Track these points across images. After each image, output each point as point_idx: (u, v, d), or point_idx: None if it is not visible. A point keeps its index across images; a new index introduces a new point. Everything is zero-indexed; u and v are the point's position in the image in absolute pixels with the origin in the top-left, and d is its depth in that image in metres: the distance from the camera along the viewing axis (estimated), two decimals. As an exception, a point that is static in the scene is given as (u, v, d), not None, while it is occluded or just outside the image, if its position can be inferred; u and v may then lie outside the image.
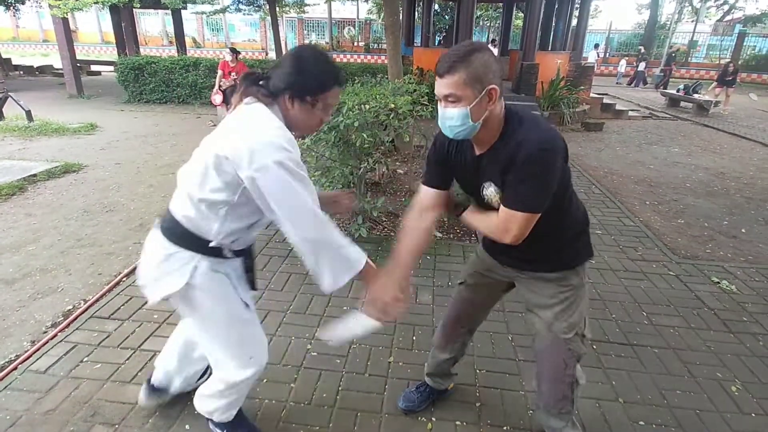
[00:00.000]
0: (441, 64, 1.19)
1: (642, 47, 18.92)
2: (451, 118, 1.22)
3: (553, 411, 1.55)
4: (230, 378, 1.50)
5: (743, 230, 4.05)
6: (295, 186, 1.19)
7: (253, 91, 1.29)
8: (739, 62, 18.68)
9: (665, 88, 14.50)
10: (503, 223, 1.28)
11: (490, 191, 1.33)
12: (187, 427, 1.81)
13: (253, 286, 1.54)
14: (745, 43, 21.27)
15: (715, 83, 11.53)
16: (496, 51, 13.37)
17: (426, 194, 1.50)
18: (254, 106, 1.28)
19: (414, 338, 2.41)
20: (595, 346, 2.38)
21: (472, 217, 1.44)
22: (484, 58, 1.18)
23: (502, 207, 1.28)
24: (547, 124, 1.30)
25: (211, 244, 1.33)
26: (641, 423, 1.91)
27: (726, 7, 25.16)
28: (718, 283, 3.08)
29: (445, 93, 1.20)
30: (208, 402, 1.62)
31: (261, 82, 1.31)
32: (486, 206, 1.39)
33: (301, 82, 1.27)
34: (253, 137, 1.19)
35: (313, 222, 1.23)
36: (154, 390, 1.82)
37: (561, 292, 1.46)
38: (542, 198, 1.24)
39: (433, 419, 1.89)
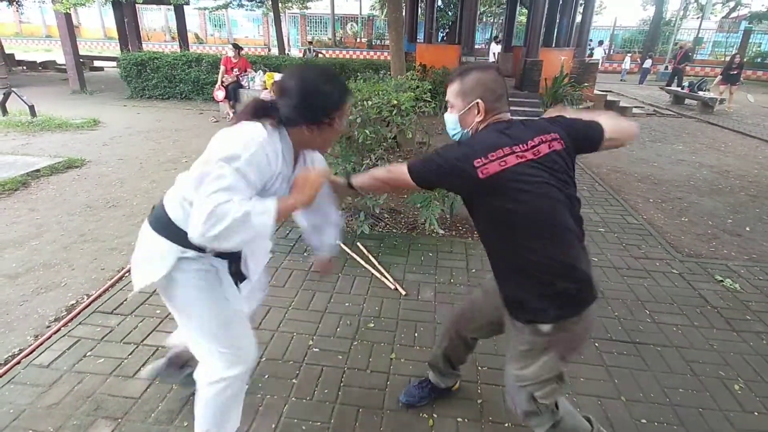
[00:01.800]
0: (450, 75, 1.44)
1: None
2: (448, 122, 1.45)
3: None
4: (215, 374, 1.44)
5: (747, 228, 4.03)
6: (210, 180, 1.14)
7: (256, 118, 1.26)
8: (745, 59, 18.51)
9: (678, 86, 14.24)
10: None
11: None
12: (185, 424, 1.81)
13: (237, 284, 1.51)
14: (750, 40, 21.12)
15: (719, 78, 11.36)
16: (499, 48, 13.32)
17: None
18: (247, 123, 1.25)
19: (416, 335, 2.41)
20: (597, 344, 2.37)
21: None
22: (478, 76, 1.36)
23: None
24: (465, 145, 1.32)
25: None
26: (643, 421, 1.90)
27: (732, 4, 24.95)
28: (722, 281, 3.06)
29: (446, 99, 1.44)
30: (199, 421, 1.53)
31: (270, 110, 1.28)
32: None
33: (317, 109, 1.28)
34: (223, 133, 1.22)
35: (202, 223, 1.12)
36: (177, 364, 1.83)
37: (516, 341, 1.41)
38: (426, 166, 1.35)
39: (435, 415, 1.89)
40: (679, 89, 11.97)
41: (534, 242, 1.25)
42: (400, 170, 1.38)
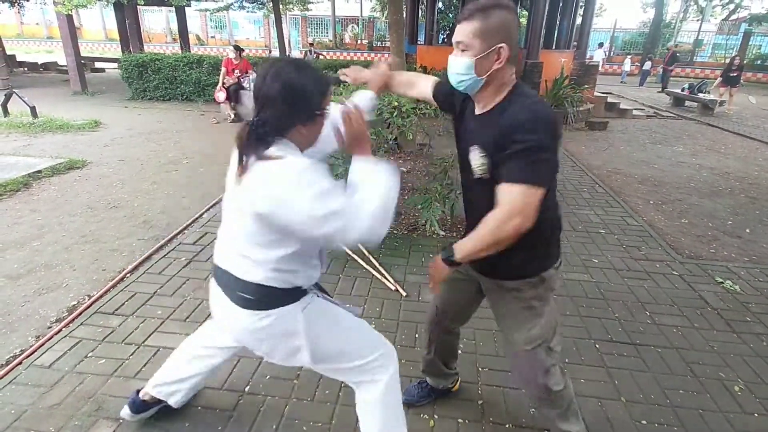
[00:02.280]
0: (463, 11, 1.21)
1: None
2: (456, 66, 1.24)
3: (539, 404, 1.61)
4: (377, 383, 1.45)
5: (747, 230, 4.04)
6: (331, 214, 1.11)
7: (266, 146, 1.16)
8: (745, 61, 18.51)
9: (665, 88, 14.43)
10: (508, 203, 1.16)
11: (475, 155, 1.27)
12: (186, 424, 1.82)
13: None
14: (750, 43, 21.14)
15: (719, 80, 11.40)
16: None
17: (430, 82, 1.61)
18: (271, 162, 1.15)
19: (416, 336, 2.41)
20: (597, 345, 2.38)
21: (467, 242, 1.26)
22: (504, 16, 1.18)
23: (503, 185, 1.18)
24: (547, 104, 1.27)
25: (304, 287, 1.32)
26: (643, 422, 1.91)
27: (732, 6, 24.99)
28: (722, 283, 3.07)
29: (458, 40, 1.22)
30: None
31: (263, 130, 1.17)
32: (467, 176, 1.36)
33: (307, 107, 1.20)
34: (278, 189, 1.11)
35: (360, 229, 1.14)
36: (146, 405, 1.79)
37: (518, 305, 1.42)
38: (544, 172, 1.18)
39: (435, 416, 1.90)
40: (679, 92, 11.97)
41: (552, 199, 1.35)
42: (521, 200, 1.15)
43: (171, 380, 1.74)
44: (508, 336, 1.48)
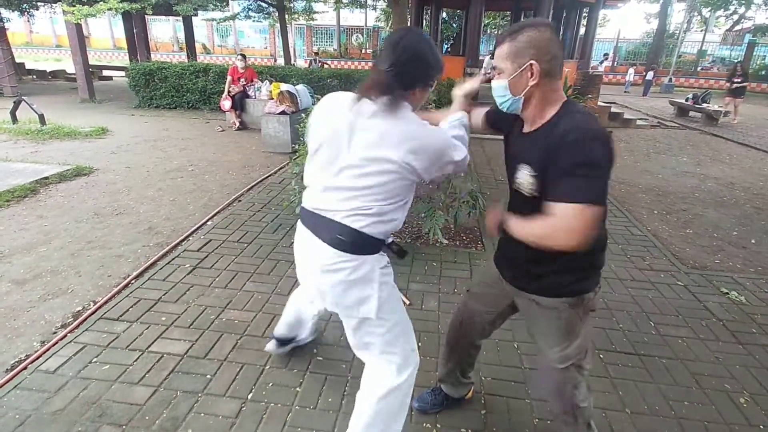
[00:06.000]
0: (497, 39, 1.31)
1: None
2: (496, 90, 1.32)
3: (559, 420, 1.58)
4: (390, 382, 1.51)
5: (753, 241, 4.02)
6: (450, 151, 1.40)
7: (391, 94, 1.34)
8: (749, 71, 18.49)
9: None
10: (564, 220, 1.13)
11: (523, 174, 1.27)
12: (189, 431, 1.82)
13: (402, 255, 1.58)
14: (754, 53, 21.18)
15: (726, 92, 11.38)
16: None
17: (481, 111, 1.63)
18: (403, 112, 1.35)
19: (420, 344, 2.40)
20: (602, 356, 2.37)
21: (519, 225, 1.27)
22: (532, 34, 1.21)
23: (558, 204, 1.15)
24: (597, 121, 1.22)
25: (389, 240, 1.48)
26: (648, 434, 1.89)
27: (735, 17, 25.07)
28: (727, 293, 3.05)
29: (494, 66, 1.31)
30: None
31: (398, 79, 1.33)
32: (516, 194, 1.36)
33: (432, 75, 1.40)
34: (422, 141, 1.33)
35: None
36: (281, 342, 2.20)
37: (555, 324, 1.41)
38: (600, 189, 1.14)
39: (438, 425, 1.89)
40: (683, 101, 11.97)
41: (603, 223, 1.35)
42: (585, 213, 1.12)
43: (283, 323, 2.16)
44: (543, 351, 1.49)
